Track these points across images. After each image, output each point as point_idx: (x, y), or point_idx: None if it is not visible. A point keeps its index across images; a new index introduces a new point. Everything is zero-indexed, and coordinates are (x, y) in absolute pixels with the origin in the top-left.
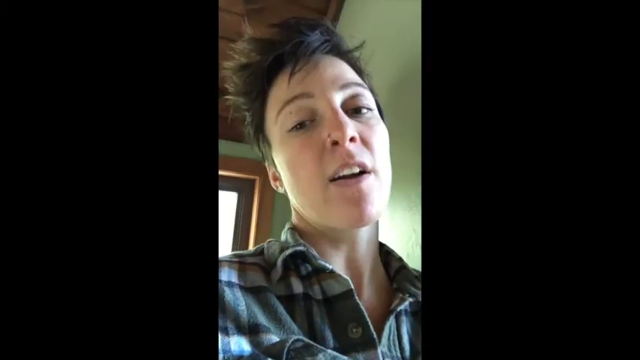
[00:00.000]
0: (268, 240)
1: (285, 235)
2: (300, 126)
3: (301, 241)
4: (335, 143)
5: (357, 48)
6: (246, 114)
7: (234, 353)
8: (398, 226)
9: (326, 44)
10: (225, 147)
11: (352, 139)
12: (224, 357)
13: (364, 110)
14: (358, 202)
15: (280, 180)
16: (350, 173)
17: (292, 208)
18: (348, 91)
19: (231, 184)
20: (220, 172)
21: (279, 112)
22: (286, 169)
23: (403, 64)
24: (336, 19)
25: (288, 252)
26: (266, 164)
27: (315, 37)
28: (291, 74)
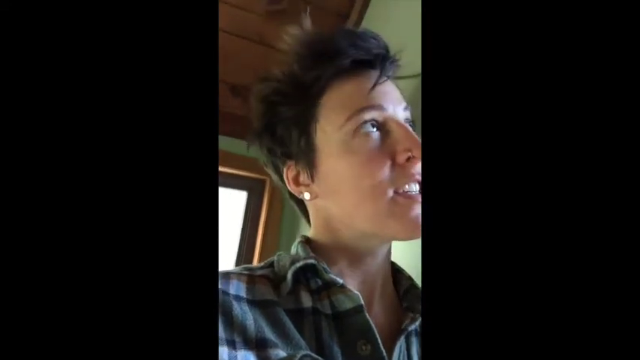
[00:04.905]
0: (278, 253)
1: (295, 249)
2: (367, 135)
3: (312, 254)
4: (409, 159)
5: (407, 77)
6: (286, 111)
7: None
8: (398, 247)
9: (395, 64)
10: (236, 145)
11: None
12: None
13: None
14: (419, 216)
15: (308, 185)
16: (415, 190)
17: (316, 221)
18: (407, 113)
19: (241, 183)
20: (231, 170)
21: (349, 118)
22: (345, 176)
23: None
24: (358, 23)
25: (299, 265)
26: (284, 169)
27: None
28: (375, 84)
